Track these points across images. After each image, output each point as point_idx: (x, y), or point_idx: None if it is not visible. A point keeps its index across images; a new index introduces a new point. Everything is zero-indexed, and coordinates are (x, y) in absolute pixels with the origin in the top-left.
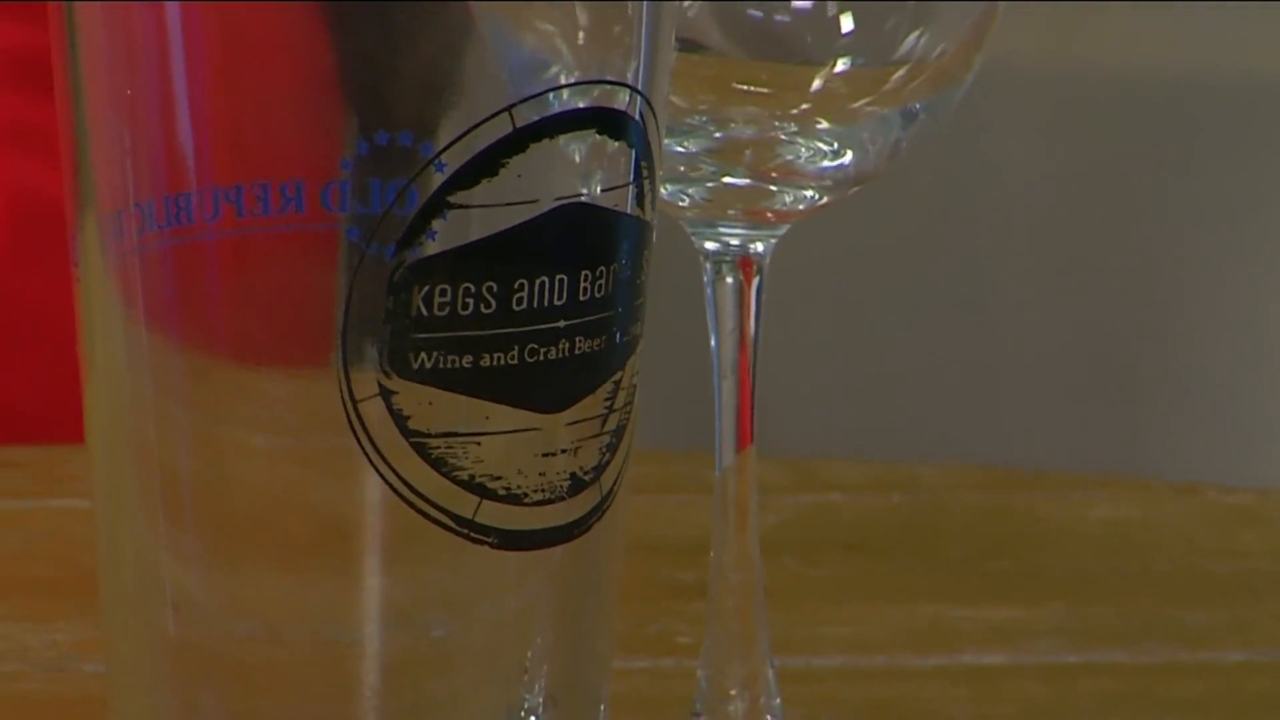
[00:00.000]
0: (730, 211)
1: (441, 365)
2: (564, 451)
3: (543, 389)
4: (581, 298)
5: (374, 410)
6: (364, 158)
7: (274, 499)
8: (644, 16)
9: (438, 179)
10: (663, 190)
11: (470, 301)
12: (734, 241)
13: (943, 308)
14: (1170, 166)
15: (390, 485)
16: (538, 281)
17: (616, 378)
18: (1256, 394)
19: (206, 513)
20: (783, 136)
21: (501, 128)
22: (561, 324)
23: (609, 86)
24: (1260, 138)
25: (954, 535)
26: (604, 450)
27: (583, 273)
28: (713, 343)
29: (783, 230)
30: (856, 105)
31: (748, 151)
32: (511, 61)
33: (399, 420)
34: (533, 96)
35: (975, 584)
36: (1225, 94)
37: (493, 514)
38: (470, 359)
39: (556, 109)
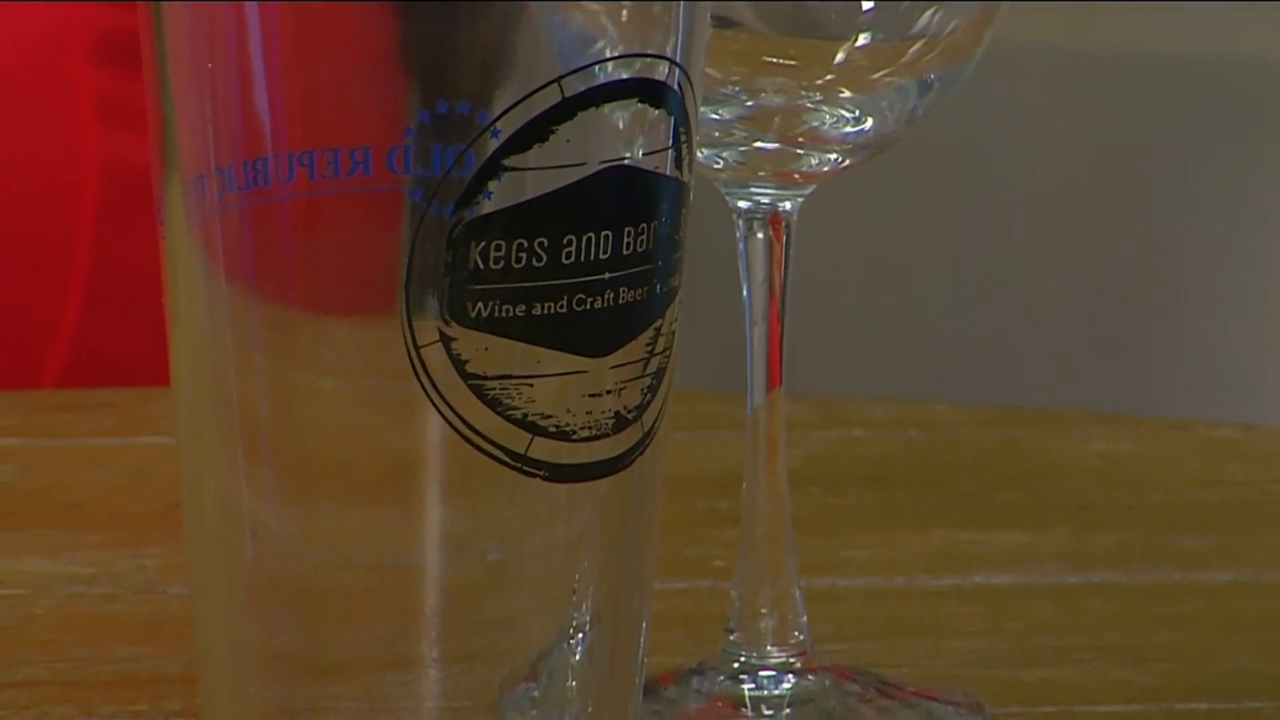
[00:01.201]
0: (760, 173)
1: (497, 314)
2: (609, 392)
3: (589, 335)
4: (625, 252)
5: (435, 355)
6: (425, 125)
7: (343, 437)
8: None
9: (493, 144)
10: (699, 154)
11: (523, 256)
12: (764, 200)
13: (958, 261)
14: (1172, 142)
15: (450, 424)
16: (585, 237)
17: (657, 325)
18: (1240, 341)
19: (281, 450)
20: (809, 105)
21: (552, 97)
22: (607, 276)
23: (650, 59)
24: (1253, 119)
25: (966, 468)
26: (645, 391)
27: (626, 229)
28: (745, 292)
29: (809, 190)
30: (876, 76)
31: (777, 119)
32: (560, 36)
33: (458, 364)
34: (580, 68)
35: (986, 512)
36: (1227, 77)
37: (544, 449)
38: (523, 308)
39: (602, 80)
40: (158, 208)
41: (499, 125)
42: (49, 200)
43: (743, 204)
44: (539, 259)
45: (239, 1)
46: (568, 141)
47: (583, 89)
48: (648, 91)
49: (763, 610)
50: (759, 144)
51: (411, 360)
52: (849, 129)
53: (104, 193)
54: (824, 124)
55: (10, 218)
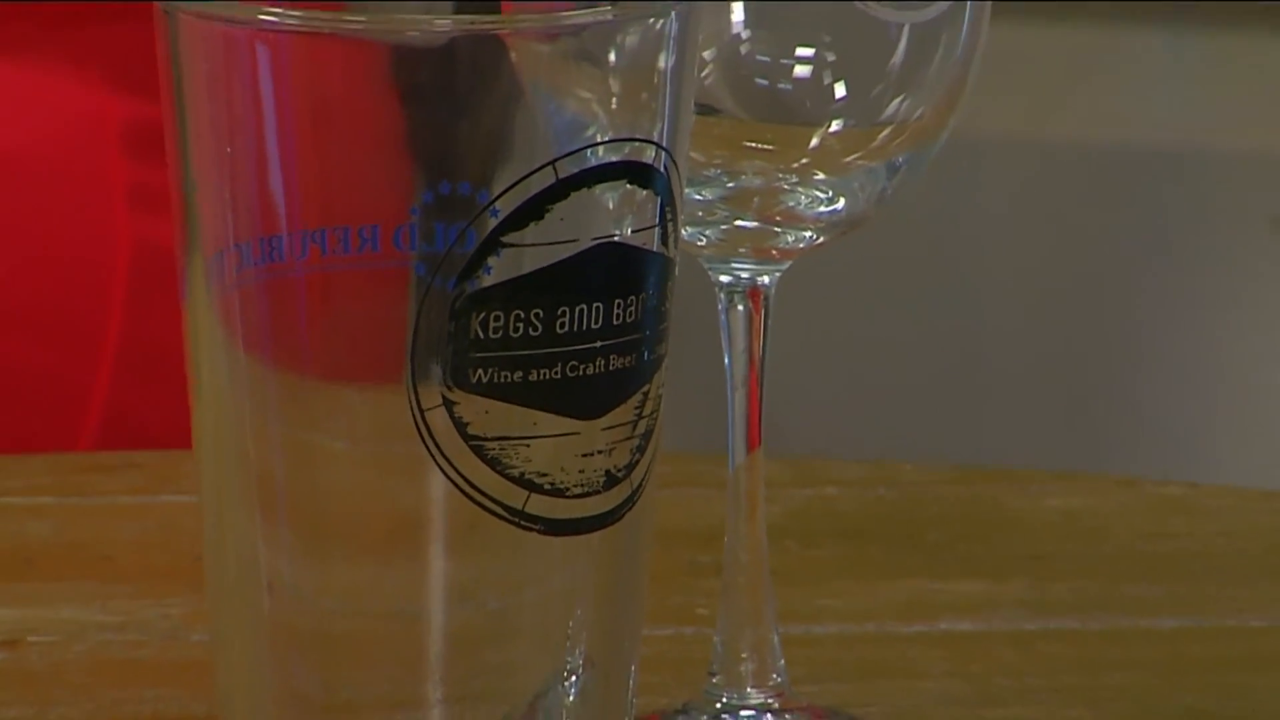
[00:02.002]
0: (741, 250)
1: (496, 380)
2: (600, 452)
3: (582, 399)
4: (615, 322)
5: (439, 419)
6: (429, 204)
7: (354, 496)
8: (667, 85)
9: (492, 222)
10: (684, 231)
11: (520, 326)
12: (744, 275)
13: (924, 333)
14: (1124, 224)
15: (453, 482)
16: (578, 308)
17: (645, 389)
18: (1184, 406)
19: (296, 508)
20: (785, 186)
21: (547, 178)
22: (598, 344)
23: (638, 143)
24: (1199, 204)
25: (932, 522)
26: (634, 451)
27: (616, 301)
28: (726, 360)
29: (786, 265)
30: (848, 159)
31: (756, 199)
32: (555, 122)
33: (460, 427)
34: (573, 152)
35: (950, 563)
36: (1176, 165)
37: (540, 505)
38: (520, 374)
39: (594, 162)
40: (180, 283)
41: (498, 205)
42: (83, 278)
43: (724, 278)
44: (535, 329)
45: (256, 91)
46: (562, 220)
47: (576, 171)
48: (636, 173)
49: (743, 654)
50: (739, 222)
51: (417, 424)
52: (823, 208)
53: (134, 272)
54: (800, 204)
55: (48, 294)
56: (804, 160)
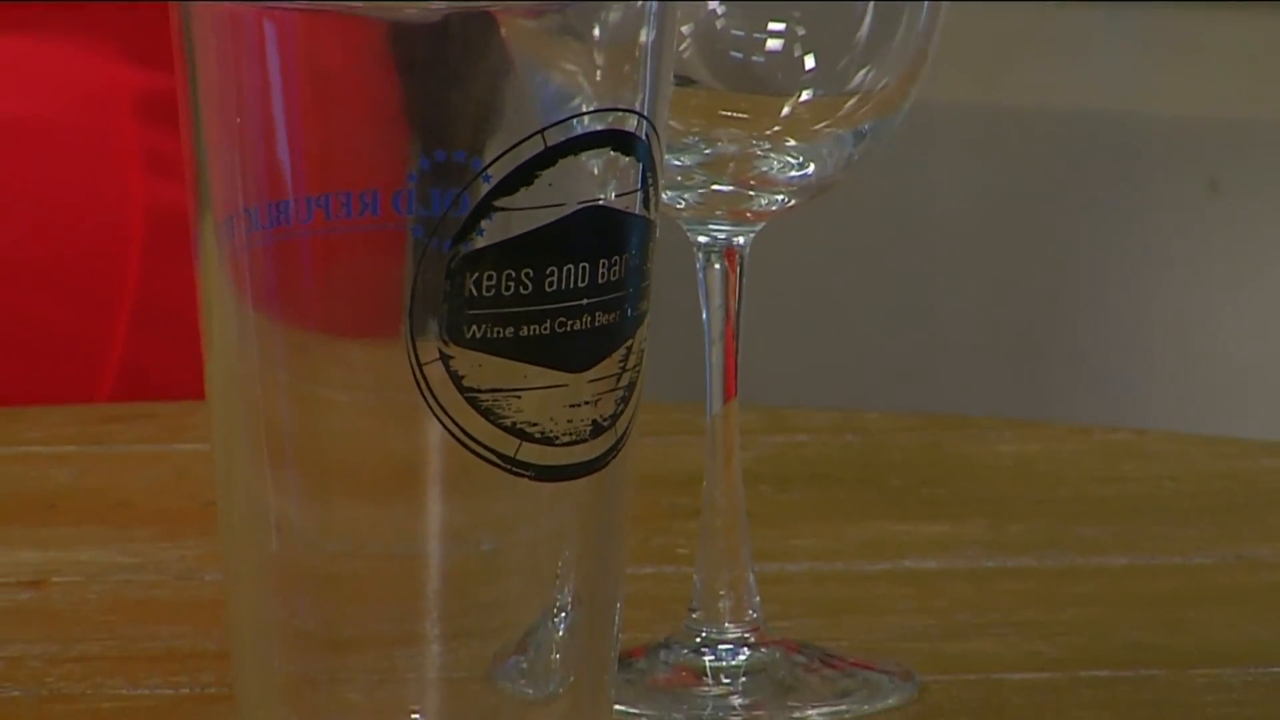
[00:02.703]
0: (717, 212)
1: (489, 335)
2: (586, 403)
3: (569, 353)
4: (600, 281)
5: (435, 372)
6: (426, 171)
7: (355, 443)
8: (648, 58)
9: (485, 188)
10: (664, 195)
11: (511, 285)
12: (721, 236)
13: (889, 289)
14: (1068, 183)
15: (448, 431)
16: (565, 268)
17: (628, 344)
18: (1133, 357)
19: (301, 455)
20: (759, 153)
21: (535, 146)
22: (584, 302)
23: (621, 113)
24: (1135, 163)
25: (895, 467)
26: (618, 402)
27: (600, 261)
28: (704, 315)
29: (760, 227)
30: (818, 127)
31: (731, 164)
32: (543, 93)
33: (455, 379)
34: (560, 121)
35: (912, 506)
36: (1114, 128)
37: (530, 453)
38: (511, 330)
39: (579, 131)
40: (193, 245)
41: (490, 171)
42: (101, 240)
43: (702, 239)
44: (525, 287)
45: (263, 64)
46: (550, 185)
47: (563, 139)
48: (619, 141)
49: (721, 592)
50: (716, 186)
51: (415, 376)
52: (794, 173)
53: (149, 234)
54: (772, 169)
55: (67, 256)
56: (776, 128)
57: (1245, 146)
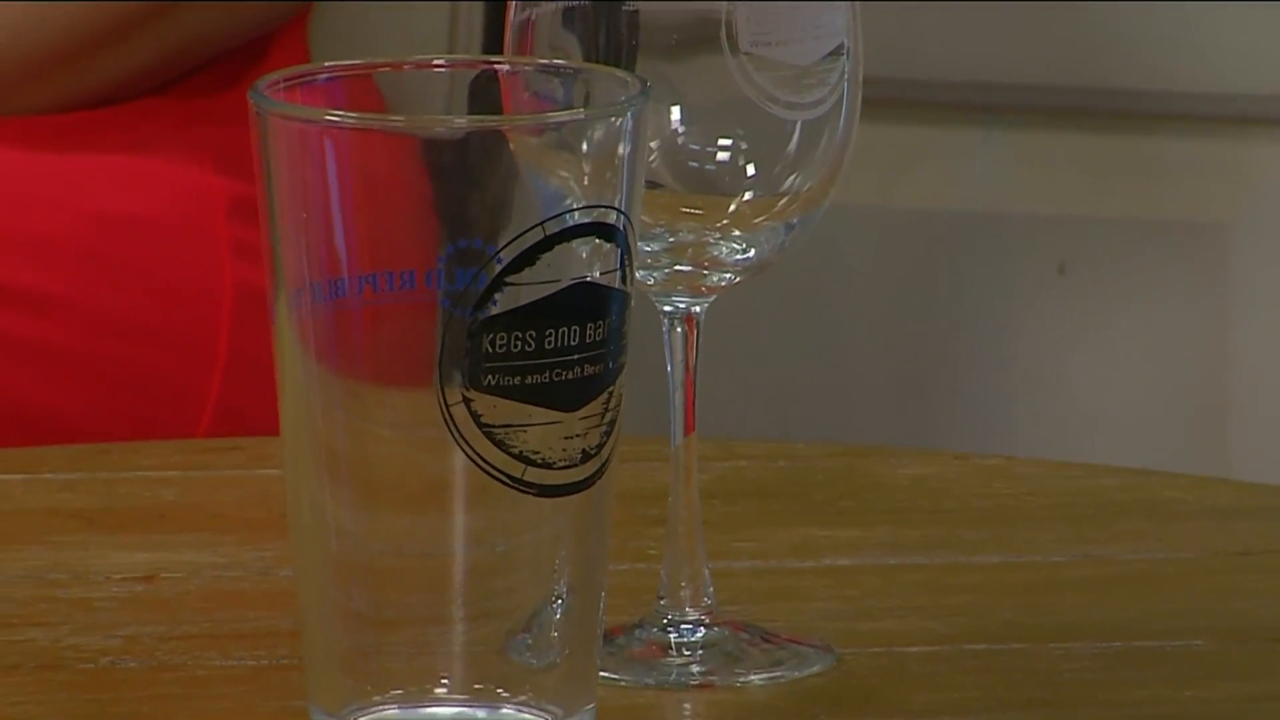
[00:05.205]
0: (679, 287)
1: (501, 383)
2: (578, 436)
3: (564, 397)
4: (588, 340)
5: (459, 412)
6: (452, 255)
7: (396, 467)
8: (625, 166)
9: (497, 268)
10: (637, 273)
11: (519, 343)
12: (681, 305)
13: (814, 346)
14: (950, 266)
15: (470, 458)
16: (560, 330)
17: (610, 389)
18: (1002, 399)
19: (354, 476)
20: (711, 240)
21: (537, 235)
22: (576, 356)
23: (604, 209)
24: (1003, 250)
25: (818, 486)
26: (603, 435)
27: (588, 324)
28: (669, 368)
29: (713, 298)
30: (757, 221)
31: (689, 250)
32: (543, 193)
33: (475, 418)
34: (556, 215)
35: (831, 516)
36: (982, 221)
37: (534, 475)
38: (519, 379)
39: (571, 223)
40: (270, 312)
41: (501, 255)
42: (201, 310)
43: (667, 308)
44: (529, 345)
45: (324, 173)
46: (548, 265)
47: (558, 229)
48: (602, 231)
49: (682, 583)
50: (678, 267)
51: (443, 415)
52: (739, 256)
53: (236, 304)
54: (722, 253)
55: (174, 321)
56: (724, 221)
57: (1088, 237)
